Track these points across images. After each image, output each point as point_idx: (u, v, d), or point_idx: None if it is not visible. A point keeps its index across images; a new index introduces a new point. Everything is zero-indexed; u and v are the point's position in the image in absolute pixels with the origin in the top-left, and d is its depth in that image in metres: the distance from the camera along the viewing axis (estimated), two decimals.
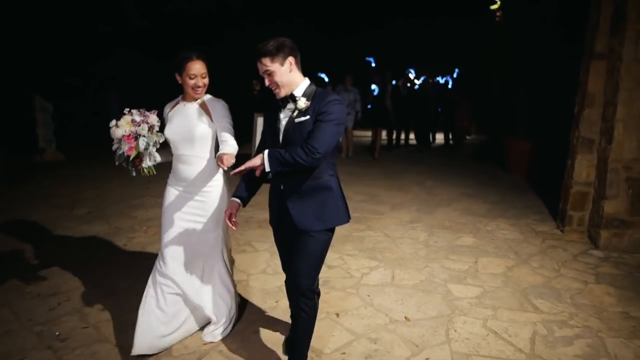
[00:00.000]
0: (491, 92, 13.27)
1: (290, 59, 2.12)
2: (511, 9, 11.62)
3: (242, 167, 2.09)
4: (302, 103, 2.12)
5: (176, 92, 2.78)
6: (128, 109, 2.49)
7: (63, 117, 9.27)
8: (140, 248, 4.44)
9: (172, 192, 2.76)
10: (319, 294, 2.39)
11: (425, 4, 14.89)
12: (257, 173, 2.12)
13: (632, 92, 4.28)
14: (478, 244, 4.67)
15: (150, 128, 2.49)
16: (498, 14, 13.24)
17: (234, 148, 2.54)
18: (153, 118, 2.52)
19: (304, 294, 2.23)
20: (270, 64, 2.09)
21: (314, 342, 2.79)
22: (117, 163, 2.49)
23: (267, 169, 2.07)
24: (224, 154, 2.38)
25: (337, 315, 3.19)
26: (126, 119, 2.46)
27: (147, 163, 2.53)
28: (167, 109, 2.80)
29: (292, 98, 2.16)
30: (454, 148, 11.70)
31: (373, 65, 11.93)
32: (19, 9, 8.27)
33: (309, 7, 11.35)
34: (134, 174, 2.55)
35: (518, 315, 3.24)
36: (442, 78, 15.71)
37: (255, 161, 2.10)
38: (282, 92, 2.15)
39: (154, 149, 2.52)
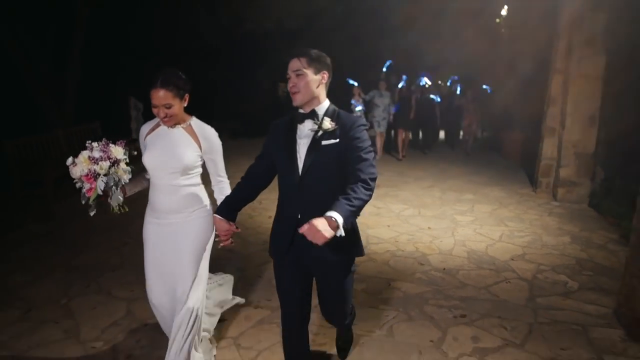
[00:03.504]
0: (496, 95, 15.38)
1: (324, 74, 2.11)
2: (510, 27, 13.71)
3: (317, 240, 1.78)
4: (328, 123, 2.06)
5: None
6: (89, 142, 2.27)
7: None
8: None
9: (151, 229, 2.49)
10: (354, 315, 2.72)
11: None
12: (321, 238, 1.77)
13: (576, 96, 6.47)
14: (475, 198, 6.91)
15: (114, 163, 2.26)
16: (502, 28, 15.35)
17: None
18: (117, 151, 2.28)
19: (348, 322, 2.61)
20: (305, 66, 2.06)
21: (376, 234, 5.10)
22: (83, 202, 2.27)
23: (342, 233, 1.82)
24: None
25: (389, 226, 5.48)
26: (84, 156, 2.22)
27: (113, 201, 2.31)
28: (144, 130, 2.49)
29: (313, 116, 2.10)
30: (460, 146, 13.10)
31: (384, 70, 12.73)
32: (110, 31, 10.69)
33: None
34: (92, 213, 2.28)
35: (495, 228, 5.50)
36: (451, 80, 17.24)
37: (321, 233, 1.76)
38: (299, 100, 2.08)
39: (117, 188, 2.29)
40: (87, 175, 2.20)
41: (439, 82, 17.29)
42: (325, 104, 2.14)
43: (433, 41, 18.52)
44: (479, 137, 14.97)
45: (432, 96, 11.80)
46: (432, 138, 12.56)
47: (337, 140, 2.04)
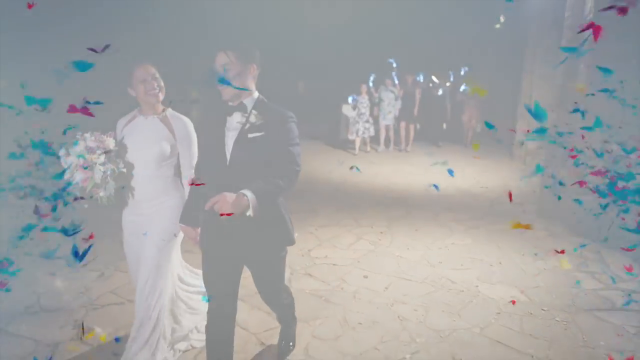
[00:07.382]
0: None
1: (254, 67, 2.15)
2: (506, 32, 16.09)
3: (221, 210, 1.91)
4: (254, 117, 2.09)
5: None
6: (80, 133, 2.27)
7: None
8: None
9: (128, 221, 2.54)
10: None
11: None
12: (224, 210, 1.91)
13: (538, 89, 8.96)
14: (466, 165, 9.43)
15: (107, 154, 2.28)
16: None
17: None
18: (110, 142, 2.32)
19: (287, 302, 2.60)
20: (234, 60, 2.07)
21: (395, 180, 7.66)
22: (73, 194, 2.26)
23: (251, 213, 1.94)
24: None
25: (403, 177, 8.00)
26: (79, 146, 2.24)
27: (105, 192, 2.30)
28: (120, 124, 2.53)
29: (241, 108, 2.12)
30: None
31: (394, 65, 13.77)
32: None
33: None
34: (86, 205, 2.29)
35: (476, 178, 8.01)
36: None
37: (228, 205, 1.89)
38: (228, 94, 2.11)
39: (111, 179, 2.28)
40: (82, 165, 2.23)
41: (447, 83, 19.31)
42: (254, 96, 2.18)
43: (438, 43, 20.85)
44: (479, 131, 17.04)
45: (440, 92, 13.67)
46: (439, 131, 13.47)
47: (263, 133, 2.08)
